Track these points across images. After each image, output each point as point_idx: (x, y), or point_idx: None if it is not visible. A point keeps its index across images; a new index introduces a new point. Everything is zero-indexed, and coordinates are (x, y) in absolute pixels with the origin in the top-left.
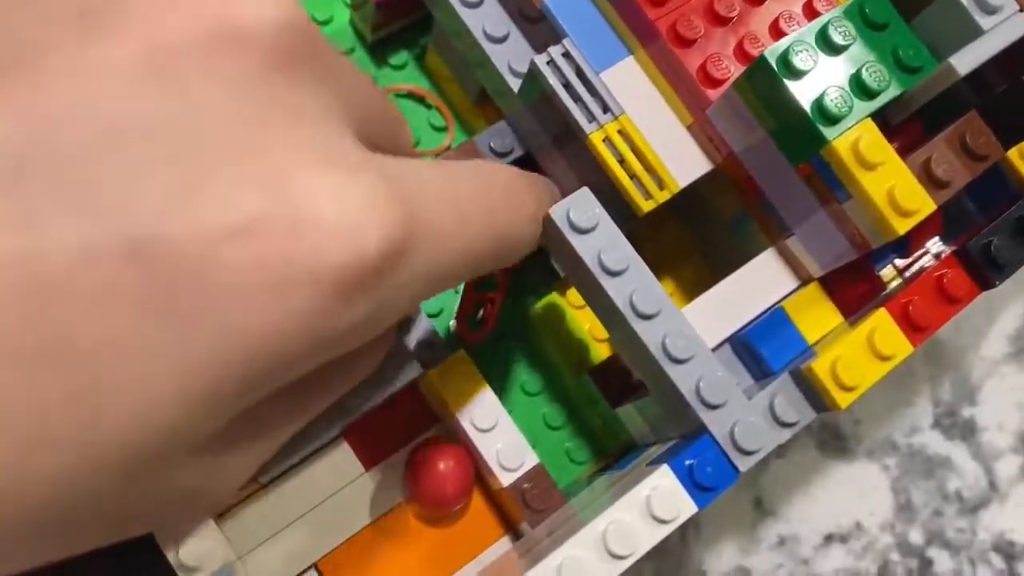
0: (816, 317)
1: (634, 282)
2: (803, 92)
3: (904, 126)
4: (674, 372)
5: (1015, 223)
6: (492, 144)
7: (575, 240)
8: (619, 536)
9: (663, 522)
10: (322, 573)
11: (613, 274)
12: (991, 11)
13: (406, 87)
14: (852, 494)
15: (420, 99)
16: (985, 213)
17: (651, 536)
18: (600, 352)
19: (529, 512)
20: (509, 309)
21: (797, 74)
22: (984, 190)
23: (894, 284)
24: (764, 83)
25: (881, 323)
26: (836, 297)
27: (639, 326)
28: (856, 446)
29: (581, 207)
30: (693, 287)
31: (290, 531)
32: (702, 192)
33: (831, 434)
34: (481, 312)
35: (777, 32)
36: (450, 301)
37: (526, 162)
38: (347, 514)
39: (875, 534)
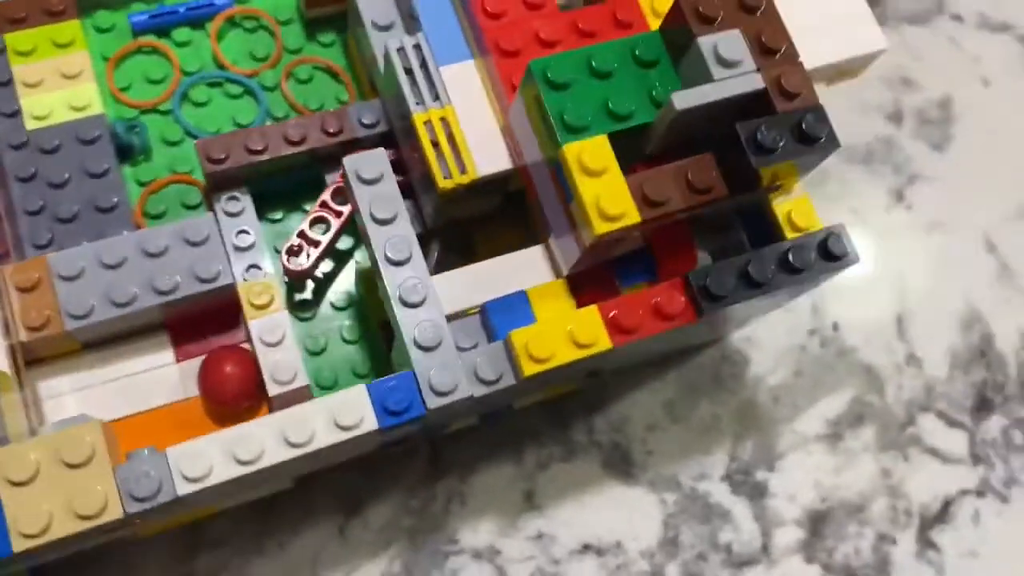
0: (553, 306)
1: (395, 232)
2: (554, 101)
3: (663, 160)
4: (401, 313)
5: (741, 266)
6: (362, 117)
7: (358, 189)
8: (296, 427)
9: (341, 428)
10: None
11: (379, 222)
12: (727, 64)
13: (324, 61)
14: (622, 516)
15: (334, 74)
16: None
17: (326, 436)
18: None
19: None
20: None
21: (554, 85)
22: (758, 231)
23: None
24: (530, 89)
25: (588, 316)
26: (577, 296)
27: (387, 270)
28: (640, 473)
29: (369, 162)
30: None
31: (97, 390)
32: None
33: (620, 456)
34: (307, 251)
35: None
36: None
37: (388, 137)
38: (149, 391)
39: (633, 557)
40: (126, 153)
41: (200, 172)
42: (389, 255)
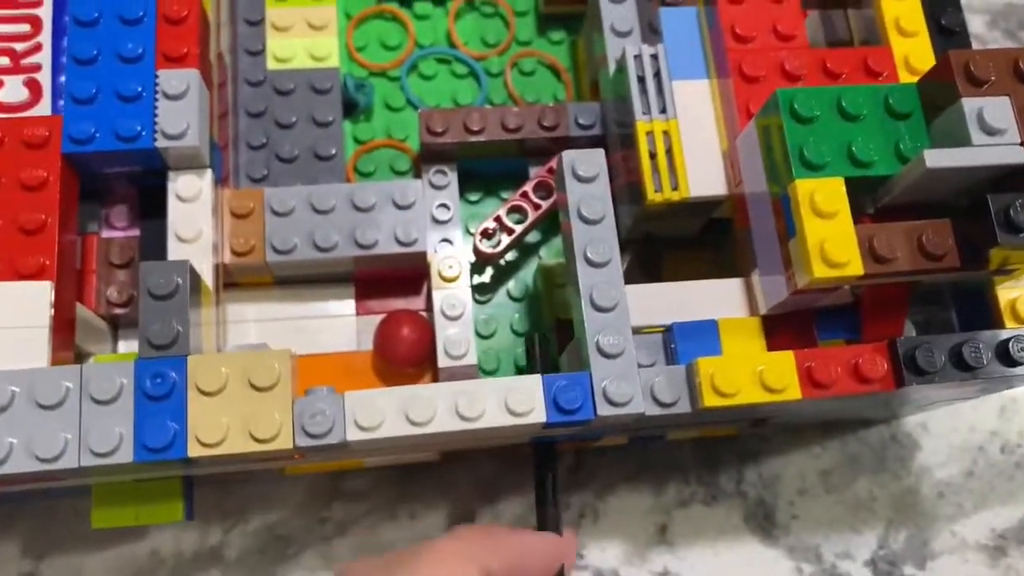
0: (742, 342)
1: (599, 234)
2: (795, 133)
3: (886, 219)
4: (589, 316)
5: (954, 347)
6: (579, 117)
7: (570, 184)
8: (469, 401)
9: (512, 412)
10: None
11: (586, 221)
12: (990, 131)
13: (550, 57)
14: (753, 573)
15: (557, 72)
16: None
17: (496, 417)
18: None
19: None
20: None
21: (798, 118)
22: (971, 313)
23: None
24: (773, 119)
25: (782, 361)
26: (770, 339)
27: (583, 270)
28: (781, 535)
29: (587, 160)
30: None
31: (279, 325)
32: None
33: (764, 513)
34: (499, 236)
35: None
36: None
37: (600, 142)
38: (327, 337)
39: None
40: (350, 109)
41: (414, 141)
42: (589, 255)
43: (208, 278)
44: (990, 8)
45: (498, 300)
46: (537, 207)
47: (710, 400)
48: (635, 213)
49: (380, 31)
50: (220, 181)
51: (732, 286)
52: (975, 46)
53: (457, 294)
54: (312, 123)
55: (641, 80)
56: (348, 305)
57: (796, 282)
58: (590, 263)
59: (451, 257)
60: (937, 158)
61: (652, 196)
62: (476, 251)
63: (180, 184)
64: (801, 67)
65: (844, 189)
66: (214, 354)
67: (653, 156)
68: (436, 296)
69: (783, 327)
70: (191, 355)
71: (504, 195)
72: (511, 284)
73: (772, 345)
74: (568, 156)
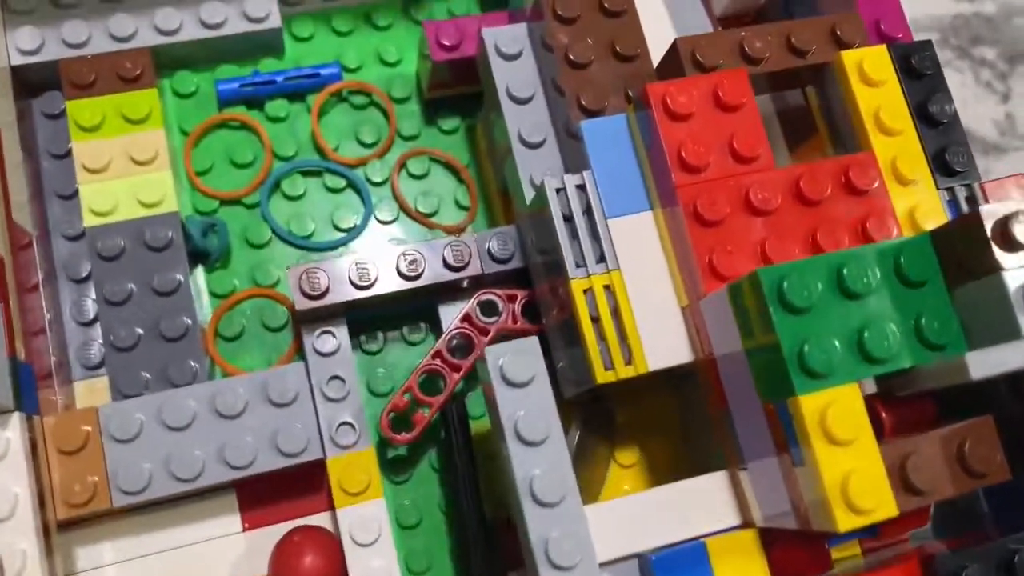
0: (740, 570)
1: (545, 461)
2: (789, 330)
3: (914, 401)
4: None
5: (1003, 558)
6: (492, 246)
7: (500, 391)
8: None
9: None
10: None
11: (526, 443)
12: None
13: (443, 154)
14: None
15: (454, 170)
16: (1000, 523)
17: None
18: None
19: None
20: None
21: (790, 308)
22: (1005, 492)
23: (848, 563)
24: (752, 302)
25: None
26: (772, 554)
27: (531, 511)
28: None
29: (520, 357)
30: (660, 468)
31: (146, 562)
32: (695, 373)
33: None
34: (413, 415)
35: (812, 245)
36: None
37: (522, 278)
38: (206, 566)
39: None
40: (200, 257)
41: (286, 285)
42: (536, 492)
43: (34, 559)
44: (939, 24)
45: (419, 473)
46: (456, 368)
47: None
48: (579, 384)
49: (227, 146)
50: (35, 408)
51: (716, 486)
52: None
53: (371, 509)
54: (151, 293)
55: (568, 220)
56: (232, 521)
57: (814, 525)
58: (539, 502)
59: (352, 459)
60: (984, 367)
61: (602, 376)
62: (387, 437)
63: None
64: (771, 199)
65: (860, 399)
66: None
67: (595, 320)
68: (342, 517)
69: (786, 538)
70: None
71: (411, 337)
72: (432, 453)
73: (776, 563)
74: (494, 355)
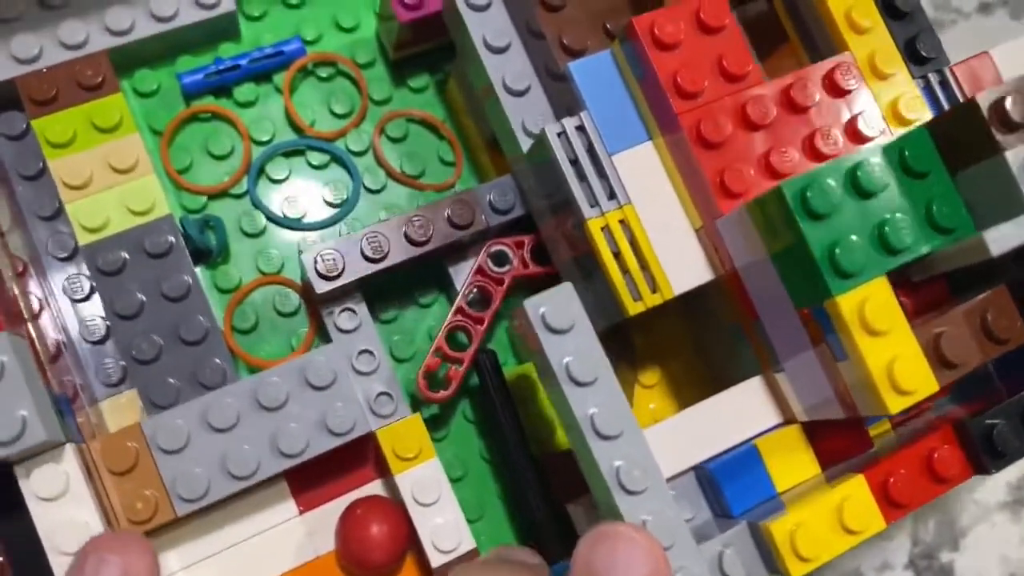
0: (791, 463)
1: (600, 397)
2: (817, 237)
3: (927, 283)
4: (624, 503)
5: None
6: (493, 199)
7: (545, 339)
8: None
9: None
10: None
11: (579, 384)
12: None
13: (420, 113)
14: None
15: (433, 128)
16: (1005, 380)
17: None
18: (563, 438)
19: None
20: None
21: (815, 215)
22: (1008, 356)
23: (885, 439)
24: (778, 216)
25: (856, 492)
26: (817, 444)
27: (596, 445)
28: (827, 569)
29: (558, 305)
30: (681, 383)
31: (211, 562)
32: (704, 291)
33: None
34: (445, 373)
35: (811, 150)
36: (424, 348)
37: (525, 223)
38: (272, 555)
39: None
40: (201, 256)
41: (291, 268)
42: (599, 428)
43: None
44: None
45: (456, 427)
46: (479, 320)
47: (797, 570)
48: (609, 319)
49: (202, 139)
50: (80, 436)
51: (754, 391)
52: None
53: (427, 471)
54: (163, 300)
55: (575, 163)
56: (287, 507)
57: (860, 410)
58: (601, 436)
59: (401, 425)
60: (1003, 241)
61: (632, 308)
62: (425, 397)
63: (36, 483)
64: (766, 113)
65: (891, 291)
66: None
67: (616, 255)
68: (401, 482)
69: (827, 425)
70: None
71: (423, 300)
72: (465, 406)
73: (822, 452)
74: (533, 305)
